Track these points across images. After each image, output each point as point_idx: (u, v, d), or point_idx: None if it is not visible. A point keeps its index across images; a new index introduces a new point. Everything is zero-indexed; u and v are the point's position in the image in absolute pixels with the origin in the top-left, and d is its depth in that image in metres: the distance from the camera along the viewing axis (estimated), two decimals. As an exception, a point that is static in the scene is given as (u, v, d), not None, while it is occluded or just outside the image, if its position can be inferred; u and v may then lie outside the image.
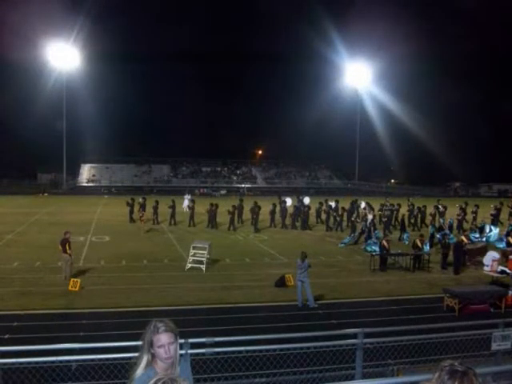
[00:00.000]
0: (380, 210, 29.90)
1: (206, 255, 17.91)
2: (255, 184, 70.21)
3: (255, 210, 28.97)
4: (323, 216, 31.13)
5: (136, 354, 3.20)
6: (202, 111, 79.26)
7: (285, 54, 74.05)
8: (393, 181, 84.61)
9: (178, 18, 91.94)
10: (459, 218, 28.39)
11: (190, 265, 17.84)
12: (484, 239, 23.47)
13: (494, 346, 7.38)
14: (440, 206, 30.12)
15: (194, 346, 5.91)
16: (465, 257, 19.53)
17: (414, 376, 6.10)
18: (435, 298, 14.40)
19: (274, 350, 6.72)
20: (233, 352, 6.31)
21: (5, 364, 6.02)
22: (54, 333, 10.51)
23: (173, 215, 30.17)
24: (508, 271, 16.41)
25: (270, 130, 76.56)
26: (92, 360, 6.03)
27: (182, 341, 5.18)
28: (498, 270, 16.49)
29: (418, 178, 73.17)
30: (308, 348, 6.47)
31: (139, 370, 3.04)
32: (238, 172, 74.16)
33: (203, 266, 17.62)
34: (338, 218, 29.45)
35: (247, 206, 30.68)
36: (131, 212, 31.00)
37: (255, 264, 19.32)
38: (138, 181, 66.95)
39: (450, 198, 52.39)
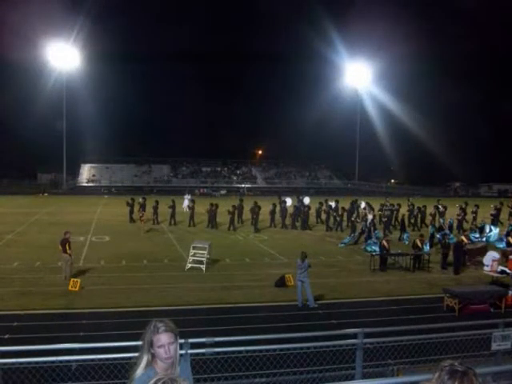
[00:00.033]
0: (380, 210, 29.90)
1: (206, 255, 17.91)
2: (255, 184, 70.21)
3: (255, 210, 28.97)
4: (323, 216, 31.13)
5: (136, 354, 3.20)
6: (201, 111, 79.35)
7: (285, 54, 74.12)
8: (393, 181, 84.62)
9: (178, 18, 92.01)
10: (459, 217, 28.39)
11: (190, 265, 17.84)
12: (484, 239, 23.47)
13: (494, 346, 7.38)
14: (440, 206, 30.12)
15: (193, 345, 5.91)
16: (465, 257, 19.53)
17: (414, 376, 6.09)
18: (435, 298, 14.40)
19: (274, 350, 6.72)
20: (233, 352, 6.31)
21: (5, 364, 6.02)
22: (53, 333, 10.51)
23: (173, 215, 30.17)
24: (508, 271, 16.42)
25: (270, 130, 76.63)
26: (92, 360, 6.03)
27: (182, 341, 5.18)
28: (498, 270, 16.49)
29: (418, 178, 73.18)
30: (308, 348, 6.47)
31: (139, 370, 3.03)
32: (238, 172, 74.17)
33: (203, 266, 17.62)
34: (338, 218, 29.45)
35: (247, 206, 30.68)
36: (131, 212, 31.00)
37: (255, 264, 19.32)
38: (137, 181, 66.96)
39: (450, 198, 52.39)
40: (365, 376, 6.99)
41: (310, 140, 74.12)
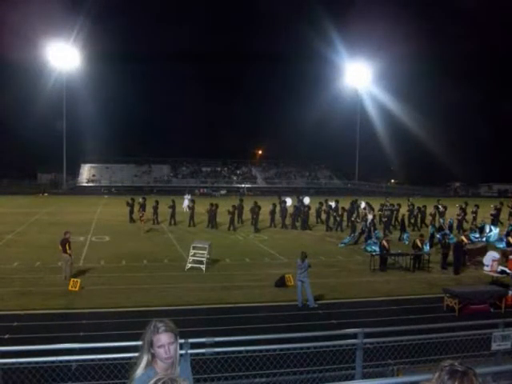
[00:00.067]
0: (380, 210, 29.90)
1: (206, 255, 17.91)
2: (255, 184, 70.22)
3: (255, 210, 28.97)
4: (323, 216, 31.14)
5: (136, 354, 3.20)
6: (201, 111, 79.33)
7: (285, 54, 74.11)
8: (393, 181, 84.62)
9: (178, 18, 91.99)
10: (459, 217, 28.40)
11: (190, 265, 17.85)
12: (484, 239, 23.47)
13: (494, 346, 7.39)
14: (440, 206, 30.13)
15: (193, 346, 5.91)
16: (465, 257, 19.53)
17: (414, 376, 6.09)
18: (435, 298, 14.40)
19: (274, 350, 6.72)
20: (233, 352, 6.31)
21: (5, 364, 6.02)
22: (53, 333, 10.51)
23: (173, 215, 30.16)
24: (508, 271, 16.42)
25: (270, 130, 76.62)
26: (92, 360, 6.03)
27: (182, 341, 5.18)
28: (498, 269, 16.49)
29: (418, 177, 73.18)
30: (308, 348, 6.47)
31: (139, 370, 3.03)
32: (238, 172, 74.18)
33: (203, 266, 17.62)
34: (338, 218, 29.46)
35: (247, 206, 30.68)
36: (131, 212, 31.00)
37: (255, 264, 19.32)
38: (137, 181, 66.97)
39: (449, 198, 52.39)
40: (365, 376, 6.99)
41: (309, 140, 74.17)
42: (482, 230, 25.18)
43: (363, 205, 30.17)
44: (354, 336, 6.86)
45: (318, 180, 74.53)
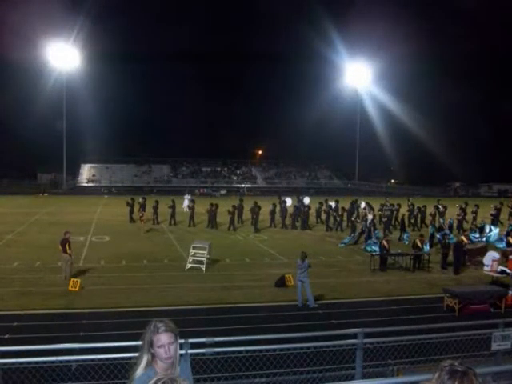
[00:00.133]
0: (380, 210, 29.90)
1: (206, 255, 17.91)
2: (255, 184, 70.23)
3: (255, 210, 28.97)
4: (323, 216, 31.14)
5: (136, 354, 3.20)
6: (202, 111, 79.32)
7: (285, 54, 74.08)
8: (393, 181, 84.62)
9: (178, 17, 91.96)
10: (459, 217, 28.40)
11: (190, 265, 17.85)
12: (484, 239, 23.47)
13: (494, 346, 7.38)
14: (440, 206, 30.13)
15: (193, 346, 5.91)
16: (465, 257, 19.53)
17: (414, 376, 6.09)
18: (435, 298, 14.40)
19: (274, 350, 6.72)
20: (233, 352, 6.31)
21: (5, 364, 6.02)
22: (53, 333, 10.52)
23: (173, 215, 30.16)
24: (508, 271, 16.42)
25: (270, 130, 76.62)
26: (92, 360, 6.03)
27: (182, 341, 5.18)
28: (498, 269, 16.50)
29: (418, 177, 73.18)
30: (308, 348, 6.47)
31: (139, 370, 3.03)
32: (238, 172, 74.19)
33: (203, 266, 17.62)
34: (338, 218, 29.46)
35: (247, 206, 30.68)
36: (131, 212, 31.01)
37: (255, 264, 19.33)
38: (137, 181, 66.97)
39: (450, 198, 52.39)
40: (365, 376, 6.99)
41: (309, 140, 74.16)
42: (482, 229, 25.18)
43: (363, 205, 30.18)
44: (354, 336, 6.86)
45: (317, 180, 74.53)
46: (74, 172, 67.87)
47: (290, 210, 31.29)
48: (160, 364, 3.01)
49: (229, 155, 73.71)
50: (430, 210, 30.12)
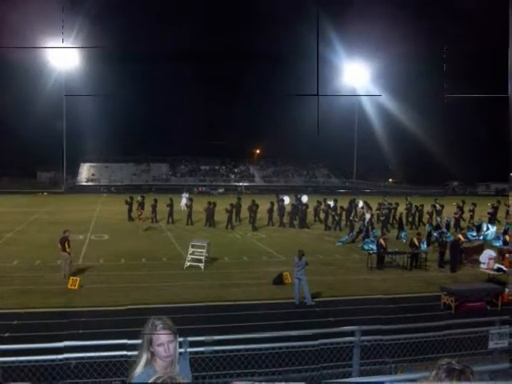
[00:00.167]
0: (378, 209, 29.97)
1: (204, 253, 17.96)
2: (253, 182, 70.24)
3: (253, 209, 29.00)
4: (321, 215, 31.18)
5: (135, 353, 3.23)
6: (201, 111, 79.18)
7: (285, 54, 73.93)
8: (391, 180, 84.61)
9: (178, 18, 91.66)
10: (456, 216, 28.50)
11: (188, 263, 17.90)
12: (481, 237, 23.60)
13: (491, 345, 7.42)
14: (437, 205, 30.22)
15: (193, 344, 5.95)
16: (462, 255, 19.61)
17: (412, 374, 6.17)
18: (432, 296, 14.46)
19: (273, 348, 6.77)
20: (231, 350, 6.36)
21: (5, 362, 6.07)
22: (53, 331, 10.55)
23: (170, 213, 30.19)
24: (504, 269, 16.51)
25: (268, 129, 76.51)
26: (91, 358, 6.08)
27: (181, 339, 5.23)
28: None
29: (416, 177, 73.20)
30: (306, 346, 6.52)
31: (138, 369, 3.04)
32: (236, 170, 74.19)
33: (202, 265, 17.68)
34: (336, 218, 29.51)
35: (245, 204, 30.70)
36: (130, 210, 31.05)
37: (253, 262, 19.39)
38: (136, 179, 66.92)
39: (447, 197, 52.44)
40: (362, 373, 7.05)
41: (308, 139, 74.09)
42: (479, 228, 25.29)
43: (361, 204, 30.24)
44: (352, 334, 6.92)
45: (315, 179, 74.55)
46: (74, 171, 67.79)
47: (288, 209, 31.34)
48: (159, 362, 3.02)
49: (227, 154, 73.74)
50: (427, 208, 30.19)
